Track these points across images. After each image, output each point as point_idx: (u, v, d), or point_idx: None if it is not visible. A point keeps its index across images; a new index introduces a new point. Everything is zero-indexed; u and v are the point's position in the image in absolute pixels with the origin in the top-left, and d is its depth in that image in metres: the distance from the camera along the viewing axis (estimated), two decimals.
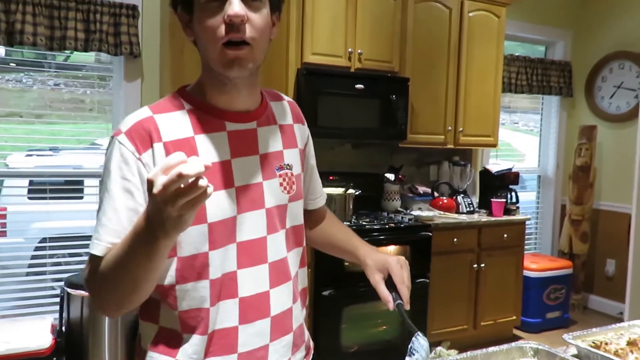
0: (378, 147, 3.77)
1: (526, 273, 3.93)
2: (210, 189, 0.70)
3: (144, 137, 0.92)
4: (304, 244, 1.13)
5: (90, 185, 3.24)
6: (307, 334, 1.16)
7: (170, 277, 0.94)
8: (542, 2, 4.53)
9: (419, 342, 0.97)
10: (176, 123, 0.95)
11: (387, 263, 1.09)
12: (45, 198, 3.06)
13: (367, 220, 3.25)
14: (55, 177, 3.08)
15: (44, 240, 3.11)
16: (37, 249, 3.11)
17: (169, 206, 0.69)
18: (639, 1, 4.30)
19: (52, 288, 3.06)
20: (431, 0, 3.53)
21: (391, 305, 1.06)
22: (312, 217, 1.22)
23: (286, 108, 1.12)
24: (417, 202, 3.77)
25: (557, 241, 4.78)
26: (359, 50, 3.25)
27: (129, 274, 0.82)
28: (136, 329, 2.98)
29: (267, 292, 1.01)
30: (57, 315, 2.83)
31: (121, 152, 0.91)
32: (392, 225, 3.19)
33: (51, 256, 3.07)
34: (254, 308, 0.99)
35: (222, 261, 0.96)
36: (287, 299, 1.05)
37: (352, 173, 3.58)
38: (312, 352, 1.18)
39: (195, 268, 0.94)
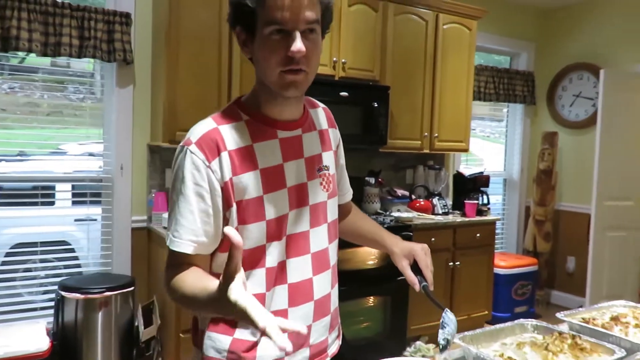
0: (359, 152, 3.93)
1: (496, 270, 4.15)
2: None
3: (211, 147, 1.03)
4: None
5: (62, 190, 3.23)
6: (339, 317, 1.29)
7: None
8: (509, 17, 4.83)
9: (448, 316, 1.12)
10: (237, 133, 1.07)
11: (412, 250, 1.25)
12: (15, 204, 3.02)
13: None
14: (25, 182, 3.04)
15: (14, 247, 3.08)
16: (8, 254, 3.09)
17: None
18: (597, 17, 4.65)
19: (21, 294, 3.04)
20: (409, 13, 3.73)
21: (417, 287, 1.21)
22: (340, 211, 1.34)
23: (322, 114, 1.27)
24: (396, 204, 3.95)
25: (522, 240, 5.07)
26: (343, 60, 3.41)
27: (192, 309, 1.06)
28: (130, 330, 3.01)
29: (311, 279, 1.14)
30: (40, 319, 2.85)
31: (192, 160, 1.02)
32: None
33: (23, 262, 3.05)
34: (300, 293, 1.12)
35: (276, 252, 1.08)
36: (327, 285, 1.18)
37: None
38: (341, 333, 1.31)
39: (254, 258, 1.07)
